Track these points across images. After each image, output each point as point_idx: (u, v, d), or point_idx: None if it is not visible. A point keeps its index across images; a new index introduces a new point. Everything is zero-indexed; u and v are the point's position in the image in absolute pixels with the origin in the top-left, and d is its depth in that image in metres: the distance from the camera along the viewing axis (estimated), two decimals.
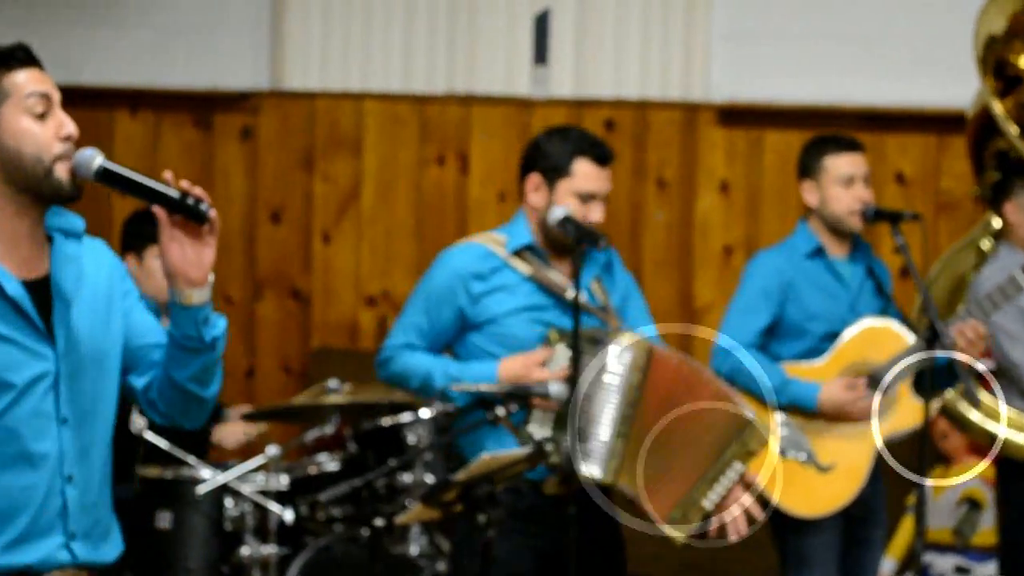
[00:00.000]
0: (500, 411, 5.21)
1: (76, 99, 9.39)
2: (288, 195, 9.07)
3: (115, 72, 9.08)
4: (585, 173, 5.43)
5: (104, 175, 3.53)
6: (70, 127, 3.57)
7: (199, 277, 3.59)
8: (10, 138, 3.54)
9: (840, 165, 6.22)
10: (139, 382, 3.79)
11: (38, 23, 9.08)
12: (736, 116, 8.42)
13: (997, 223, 6.74)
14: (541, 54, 8.63)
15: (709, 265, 8.47)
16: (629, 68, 8.52)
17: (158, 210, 3.54)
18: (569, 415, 5.11)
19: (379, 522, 5.31)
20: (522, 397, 5.19)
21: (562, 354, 5.24)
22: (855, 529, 6.24)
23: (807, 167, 6.28)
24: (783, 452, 6.09)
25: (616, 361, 5.24)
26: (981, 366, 6.97)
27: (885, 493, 6.34)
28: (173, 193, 3.50)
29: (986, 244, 6.66)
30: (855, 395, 6.06)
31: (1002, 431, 6.80)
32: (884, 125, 8.05)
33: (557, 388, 5.14)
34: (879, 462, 6.18)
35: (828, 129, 6.66)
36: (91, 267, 3.73)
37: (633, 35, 8.51)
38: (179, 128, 9.18)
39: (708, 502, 5.35)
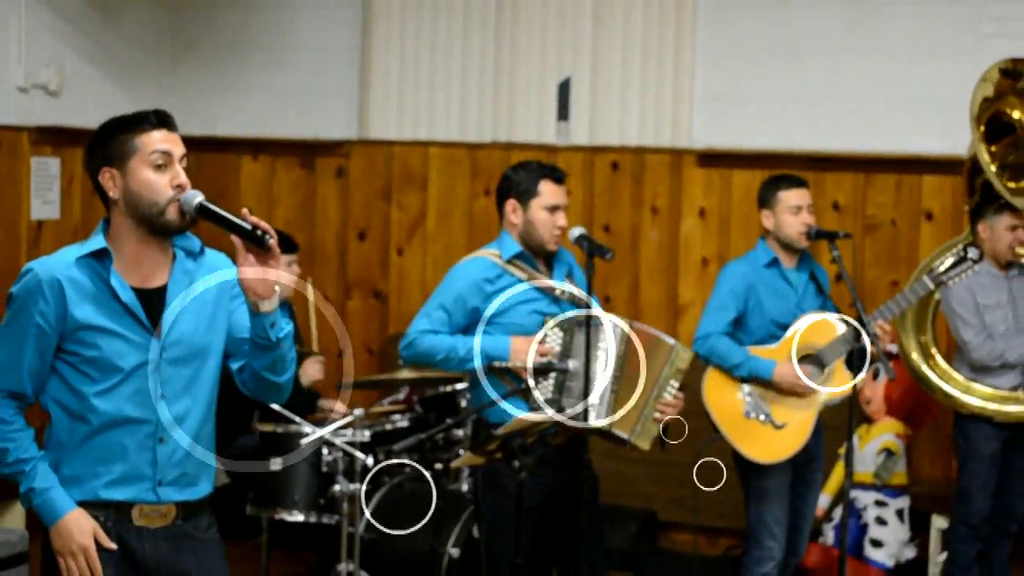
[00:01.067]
0: (522, 385, 5.32)
1: (211, 146, 9.55)
2: (371, 219, 9.07)
3: (241, 126, 9.03)
4: (549, 191, 5.48)
5: (200, 210, 3.62)
6: (181, 178, 3.66)
7: (265, 292, 3.65)
8: (135, 184, 3.64)
9: (790, 197, 6.19)
10: (235, 365, 3.85)
11: (185, 87, 9.10)
12: (712, 159, 8.39)
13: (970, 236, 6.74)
14: (564, 112, 8.59)
15: (690, 272, 8.45)
16: (630, 123, 8.47)
17: (235, 238, 3.62)
18: (574, 381, 5.23)
19: (438, 466, 5.34)
20: (547, 371, 5.28)
21: (554, 336, 5.32)
22: (800, 472, 6.23)
23: (765, 199, 6.25)
24: (747, 414, 6.11)
25: (609, 336, 5.32)
26: (892, 348, 7.03)
27: (823, 445, 6.36)
28: (246, 225, 3.58)
29: (962, 247, 6.64)
30: (798, 376, 6.09)
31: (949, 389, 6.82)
32: (824, 166, 8.00)
33: (574, 363, 5.25)
34: (819, 421, 6.22)
35: (781, 170, 6.65)
36: (204, 277, 3.80)
37: (633, 98, 8.44)
38: (289, 169, 9.19)
39: (657, 413, 5.44)
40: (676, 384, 5.49)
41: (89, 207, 8.67)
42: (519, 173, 5.59)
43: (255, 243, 3.59)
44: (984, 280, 6.56)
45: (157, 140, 3.66)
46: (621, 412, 5.35)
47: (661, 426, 5.47)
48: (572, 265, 5.66)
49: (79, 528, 3.56)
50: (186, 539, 3.75)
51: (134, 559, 3.67)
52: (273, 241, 3.60)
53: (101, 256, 3.65)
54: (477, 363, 5.39)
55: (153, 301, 3.68)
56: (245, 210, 3.59)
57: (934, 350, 6.96)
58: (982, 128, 6.73)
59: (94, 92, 8.66)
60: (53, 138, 8.38)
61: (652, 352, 5.48)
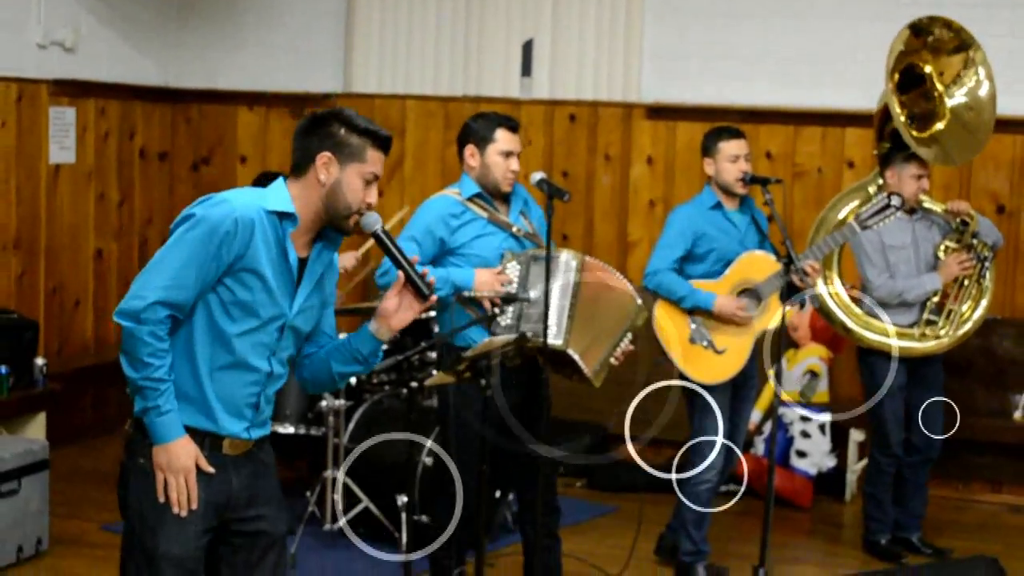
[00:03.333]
0: (487, 312, 5.33)
1: (211, 98, 9.51)
2: None
3: (238, 80, 9.00)
4: (504, 138, 5.46)
5: (375, 237, 3.68)
6: (373, 199, 3.67)
7: (396, 327, 3.73)
8: (345, 185, 3.62)
9: (729, 147, 6.12)
10: (304, 348, 3.86)
11: (187, 45, 9.07)
12: (658, 112, 8.39)
13: (879, 180, 6.73)
14: (527, 69, 8.58)
15: (638, 213, 8.46)
16: (586, 79, 8.49)
17: (400, 273, 3.69)
18: (532, 309, 5.24)
19: (413, 384, 5.34)
20: (512, 300, 5.28)
21: (512, 269, 5.33)
22: (737, 390, 6.22)
23: (707, 148, 6.19)
24: (692, 340, 6.10)
25: (562, 266, 5.32)
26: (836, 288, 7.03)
27: (756, 367, 6.38)
28: (415, 272, 3.66)
29: (872, 190, 6.61)
30: (738, 307, 6.10)
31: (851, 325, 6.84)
32: (759, 119, 8.02)
33: (534, 293, 5.25)
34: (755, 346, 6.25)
35: (721, 122, 6.65)
36: (330, 270, 3.84)
37: (589, 57, 8.46)
38: (280, 118, 9.13)
39: (613, 359, 5.45)
40: (630, 336, 5.51)
41: (101, 153, 8.64)
42: (478, 122, 5.58)
43: (416, 290, 3.69)
44: (891, 223, 6.54)
45: (376, 162, 3.68)
46: (576, 338, 5.34)
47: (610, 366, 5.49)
48: (528, 200, 5.64)
49: (186, 453, 3.57)
50: (258, 463, 3.80)
51: (221, 479, 3.68)
52: (434, 298, 3.72)
53: (288, 218, 3.65)
54: (444, 292, 5.37)
55: (297, 267, 3.72)
56: (416, 257, 3.64)
57: (837, 283, 6.93)
58: (896, 77, 6.72)
59: (106, 49, 8.63)
60: (69, 90, 8.35)
61: (618, 302, 5.50)
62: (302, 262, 3.72)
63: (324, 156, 3.64)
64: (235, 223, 3.53)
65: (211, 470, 3.62)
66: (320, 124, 3.71)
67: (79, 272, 8.54)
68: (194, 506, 3.60)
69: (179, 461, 3.57)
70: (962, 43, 6.86)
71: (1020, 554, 6.75)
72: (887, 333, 6.67)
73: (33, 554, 6.33)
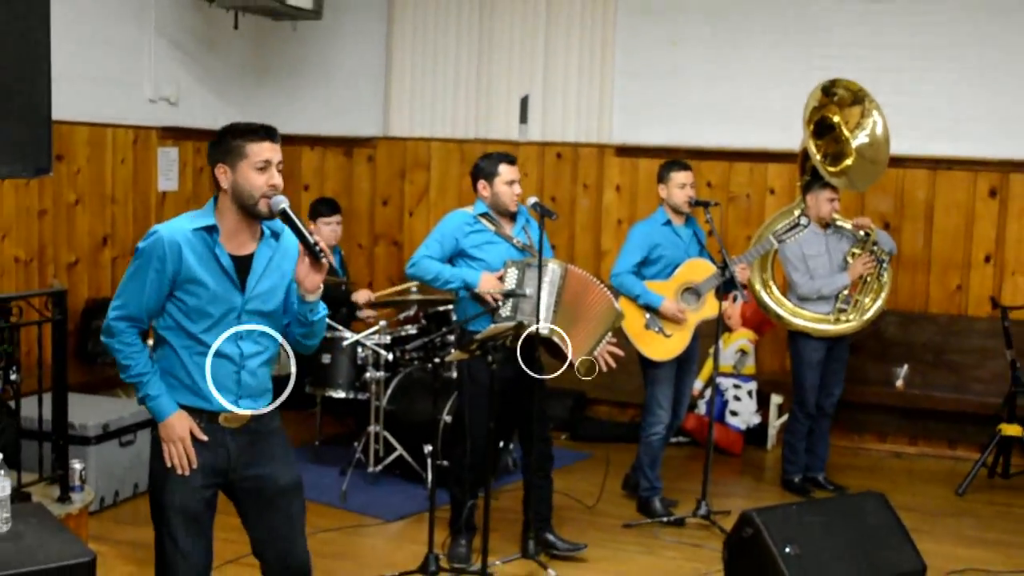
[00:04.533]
0: (495, 305, 5.34)
1: (283, 141, 9.48)
2: (391, 192, 9.05)
3: (302, 125, 8.99)
4: (506, 170, 5.42)
5: (282, 214, 3.52)
6: (275, 180, 3.54)
7: (311, 289, 3.59)
8: (241, 180, 3.52)
9: (679, 177, 6.13)
10: (285, 321, 3.74)
11: (263, 98, 9.07)
12: (624, 151, 8.36)
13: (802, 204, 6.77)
14: (524, 118, 8.54)
15: (609, 229, 8.43)
16: (569, 126, 8.46)
17: (300, 246, 3.55)
18: (525, 303, 5.24)
19: (436, 360, 5.36)
20: (510, 295, 5.30)
21: (512, 274, 5.29)
22: (682, 364, 6.24)
23: (661, 177, 6.19)
24: (647, 327, 6.08)
25: (550, 274, 5.30)
26: (768, 285, 7.05)
27: (698, 346, 6.37)
28: (311, 240, 3.50)
29: (796, 212, 6.62)
30: (679, 310, 6.11)
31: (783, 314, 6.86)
32: (701, 156, 7.97)
33: (529, 291, 5.27)
34: (696, 331, 6.26)
35: (672, 157, 6.68)
36: (279, 254, 3.67)
37: (571, 109, 8.44)
38: (335, 156, 9.14)
39: (595, 353, 5.42)
40: (609, 336, 5.47)
41: (197, 182, 8.67)
42: (485, 161, 5.53)
43: (312, 255, 3.53)
44: (809, 236, 6.56)
45: (263, 150, 3.54)
46: (561, 327, 5.34)
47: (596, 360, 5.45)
48: (529, 220, 5.64)
49: (180, 425, 3.55)
50: (255, 434, 3.70)
51: (221, 453, 3.66)
52: (325, 259, 3.55)
53: (211, 230, 3.55)
54: (455, 286, 5.40)
55: (243, 264, 3.60)
56: (313, 227, 3.57)
57: (772, 285, 6.99)
58: (811, 127, 6.78)
59: (200, 102, 8.64)
60: (173, 135, 8.37)
61: (599, 306, 5.45)
62: (246, 258, 3.62)
63: (218, 167, 3.57)
64: (164, 247, 3.49)
65: (204, 438, 3.59)
66: (213, 143, 3.64)
67: None
68: (194, 466, 3.59)
69: (175, 432, 3.56)
70: (858, 98, 6.93)
71: (901, 489, 6.83)
72: (811, 319, 6.72)
73: (145, 489, 6.36)
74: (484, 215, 5.51)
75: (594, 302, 5.47)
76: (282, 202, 3.53)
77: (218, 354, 3.60)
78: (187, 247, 3.53)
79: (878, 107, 6.92)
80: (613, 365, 5.48)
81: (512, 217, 5.54)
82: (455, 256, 5.51)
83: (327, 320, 3.70)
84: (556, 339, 5.30)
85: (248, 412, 3.67)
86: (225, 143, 3.58)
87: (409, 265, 5.53)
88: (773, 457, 7.64)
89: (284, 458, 3.77)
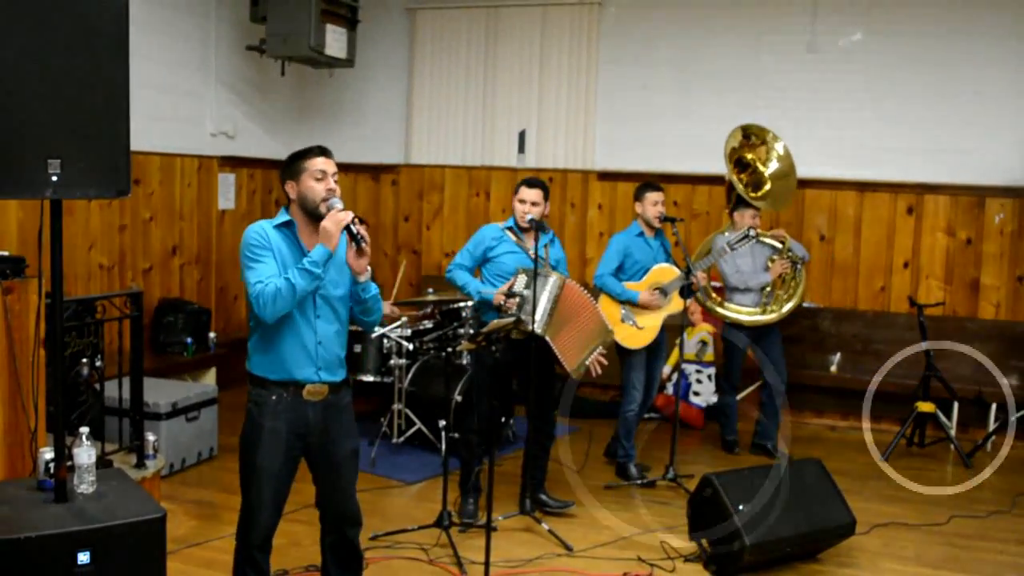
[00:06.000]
0: (503, 305, 5.32)
1: None
2: (411, 210, 9.05)
3: (336, 154, 8.94)
4: (523, 193, 5.36)
5: (329, 210, 3.51)
6: (331, 185, 3.58)
7: (360, 271, 3.59)
8: (305, 190, 3.56)
9: (651, 197, 6.09)
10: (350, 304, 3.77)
11: (304, 133, 9.05)
12: (605, 176, 8.37)
13: (730, 222, 6.80)
14: (522, 148, 8.56)
15: (592, 241, 8.45)
16: (560, 155, 8.46)
17: (347, 234, 3.54)
18: (528, 304, 5.21)
19: (449, 349, 5.36)
20: (514, 295, 5.26)
21: (521, 280, 5.23)
22: (652, 352, 6.19)
23: (637, 197, 6.14)
24: (623, 320, 6.08)
25: (550, 283, 5.26)
26: (716, 285, 7.04)
27: (666, 338, 6.35)
28: (353, 231, 3.49)
29: (725, 227, 6.61)
30: (653, 299, 6.11)
31: (722, 311, 6.86)
32: (669, 180, 7.96)
33: (527, 293, 5.23)
34: (663, 325, 6.26)
35: (646, 180, 6.67)
36: (340, 249, 3.65)
37: (561, 141, 8.45)
38: (365, 180, 9.15)
39: (588, 361, 5.33)
40: (601, 348, 5.40)
41: (250, 202, 8.66)
42: (519, 184, 5.45)
43: (355, 242, 3.52)
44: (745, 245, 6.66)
45: (318, 163, 3.59)
46: (552, 329, 5.23)
47: (587, 367, 5.39)
48: (553, 240, 5.57)
49: (331, 220, 3.48)
50: (332, 407, 3.68)
51: (300, 417, 3.63)
52: (366, 245, 3.53)
53: (289, 225, 3.60)
54: (472, 293, 5.38)
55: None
56: (356, 219, 3.56)
57: (710, 288, 7.03)
58: (732, 163, 6.82)
59: (253, 136, 8.64)
60: (230, 163, 8.36)
61: (592, 323, 5.35)
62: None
63: (287, 184, 3.63)
64: (264, 235, 3.55)
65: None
66: (282, 168, 3.69)
67: (236, 278, 8.56)
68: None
69: (333, 225, 3.47)
70: (765, 139, 6.98)
71: (834, 457, 6.81)
72: (737, 311, 6.74)
73: (207, 457, 6.36)
74: (510, 228, 5.47)
75: (588, 319, 5.36)
76: (338, 203, 3.55)
77: (299, 333, 3.59)
78: (274, 237, 3.58)
79: (777, 138, 6.97)
80: (600, 372, 5.40)
81: (537, 233, 5.45)
82: (484, 261, 5.45)
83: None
84: (547, 338, 5.19)
85: (326, 385, 3.64)
86: (290, 164, 3.66)
87: (447, 271, 5.52)
88: None
89: (351, 430, 3.77)
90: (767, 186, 6.97)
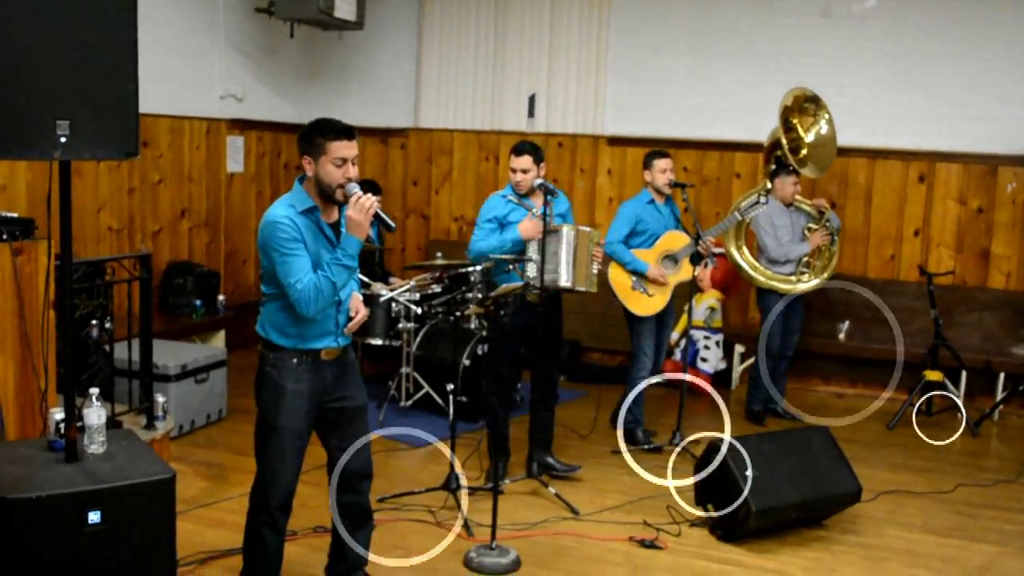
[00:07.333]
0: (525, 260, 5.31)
1: None
2: (420, 174, 9.05)
3: (345, 119, 8.95)
4: (513, 161, 5.31)
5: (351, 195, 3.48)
6: (350, 173, 3.50)
7: (362, 235, 3.51)
8: (323, 173, 3.47)
9: (660, 163, 6.06)
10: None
11: (313, 97, 9.06)
12: (615, 141, 8.35)
13: (768, 186, 6.78)
14: (531, 113, 8.56)
15: (602, 207, 8.45)
16: (569, 119, 8.46)
17: (376, 219, 3.53)
18: (548, 263, 5.21)
19: (458, 313, 5.35)
20: (525, 260, 5.23)
21: (532, 245, 5.17)
22: (662, 319, 6.18)
23: (646, 163, 6.11)
24: (633, 287, 6.07)
25: (563, 235, 5.22)
26: (717, 250, 7.04)
27: (674, 304, 6.38)
28: (387, 220, 3.50)
29: (763, 192, 6.56)
30: (661, 276, 6.10)
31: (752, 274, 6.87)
32: (679, 146, 7.97)
33: (539, 256, 5.22)
34: (673, 292, 6.25)
35: (655, 147, 6.65)
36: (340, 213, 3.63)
37: (571, 105, 8.43)
38: (374, 144, 9.13)
39: (595, 266, 5.33)
40: (597, 246, 5.37)
41: (259, 165, 8.66)
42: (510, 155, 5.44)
43: (385, 227, 3.52)
44: (775, 211, 6.63)
45: (340, 148, 3.47)
46: (579, 277, 5.27)
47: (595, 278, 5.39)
48: (550, 198, 5.60)
49: (357, 204, 3.47)
50: (344, 364, 3.73)
51: (319, 377, 3.65)
52: (394, 223, 3.52)
53: (314, 211, 3.52)
54: (509, 247, 5.26)
55: (333, 229, 3.59)
56: (387, 217, 3.55)
57: (745, 250, 7.01)
58: (782, 124, 6.78)
59: (262, 98, 8.62)
60: (239, 125, 8.35)
61: (583, 238, 5.32)
62: (333, 225, 3.60)
63: (304, 158, 3.52)
64: (292, 224, 3.48)
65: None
66: (302, 136, 3.55)
67: (246, 241, 8.58)
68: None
69: (362, 208, 3.46)
70: (816, 109, 6.96)
71: (840, 424, 6.85)
72: (775, 279, 6.74)
73: (217, 419, 6.40)
74: (510, 195, 5.44)
75: (583, 236, 5.34)
76: (355, 188, 3.49)
77: (327, 311, 3.61)
78: (300, 223, 3.51)
79: (827, 112, 6.93)
80: (600, 265, 5.40)
81: (547, 197, 5.42)
82: (501, 225, 5.42)
83: (366, 279, 3.70)
84: (578, 287, 5.22)
85: (340, 347, 3.68)
86: (310, 138, 3.52)
87: (470, 251, 5.46)
88: (736, 396, 7.63)
89: (359, 384, 3.81)
90: (804, 151, 6.96)
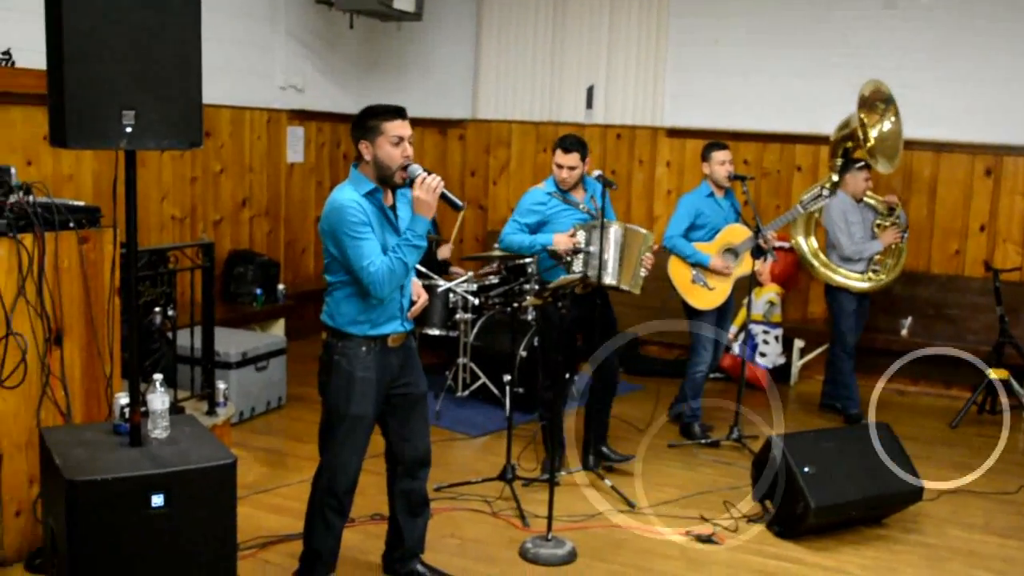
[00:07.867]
0: (567, 260, 5.32)
1: None
2: (478, 165, 9.08)
3: (407, 108, 9.05)
4: (559, 157, 5.32)
5: (416, 176, 3.52)
6: (408, 152, 3.53)
7: (430, 213, 3.55)
8: (382, 154, 3.50)
9: (719, 155, 6.02)
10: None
11: (372, 87, 9.12)
12: (674, 133, 8.32)
13: (836, 179, 6.70)
14: (590, 104, 8.53)
15: (660, 199, 8.41)
16: (628, 111, 8.42)
17: (444, 200, 3.59)
18: (595, 258, 5.21)
19: (515, 304, 5.36)
20: (578, 252, 5.27)
21: (580, 235, 5.23)
22: (721, 312, 6.14)
23: (704, 155, 6.08)
24: (693, 281, 6.05)
25: (612, 233, 5.25)
26: (779, 244, 6.97)
27: (734, 298, 6.32)
28: (451, 197, 3.58)
29: (828, 185, 6.48)
30: (724, 266, 6.06)
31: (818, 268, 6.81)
32: (739, 138, 7.93)
33: (594, 248, 5.24)
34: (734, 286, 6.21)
35: (714, 139, 6.59)
36: (405, 205, 3.65)
37: (630, 97, 8.40)
38: (432, 135, 9.18)
39: (643, 270, 5.32)
40: (649, 253, 5.39)
41: (319, 156, 8.73)
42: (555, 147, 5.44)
43: (453, 207, 3.60)
44: (848, 207, 6.56)
45: (396, 127, 3.51)
46: (624, 276, 5.32)
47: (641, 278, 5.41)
48: (594, 192, 5.58)
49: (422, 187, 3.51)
50: (408, 350, 3.77)
51: (386, 364, 3.69)
52: (463, 204, 3.56)
53: (375, 192, 3.55)
54: (537, 249, 5.36)
55: (392, 211, 3.61)
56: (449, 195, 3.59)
57: (816, 247, 6.94)
58: (862, 116, 6.69)
59: (322, 90, 8.69)
60: (300, 116, 8.43)
61: (636, 240, 5.40)
62: (392, 207, 3.63)
63: (361, 143, 3.55)
64: (359, 207, 3.50)
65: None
66: (355, 123, 3.59)
67: (305, 230, 8.66)
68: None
69: (429, 189, 3.50)
70: (886, 107, 6.85)
71: (903, 422, 6.73)
72: (848, 276, 6.66)
73: (276, 406, 6.47)
74: (554, 192, 5.46)
75: (635, 238, 5.35)
76: (418, 169, 3.54)
77: (394, 295, 3.65)
78: (365, 206, 3.53)
79: (895, 107, 6.83)
80: (649, 269, 5.38)
81: (604, 189, 5.42)
82: (541, 223, 5.44)
83: (424, 269, 3.73)
84: (623, 286, 5.27)
85: (405, 332, 3.71)
86: (365, 123, 3.56)
87: (499, 242, 5.51)
88: (795, 392, 7.56)
89: (420, 371, 3.85)
90: (871, 144, 6.87)
